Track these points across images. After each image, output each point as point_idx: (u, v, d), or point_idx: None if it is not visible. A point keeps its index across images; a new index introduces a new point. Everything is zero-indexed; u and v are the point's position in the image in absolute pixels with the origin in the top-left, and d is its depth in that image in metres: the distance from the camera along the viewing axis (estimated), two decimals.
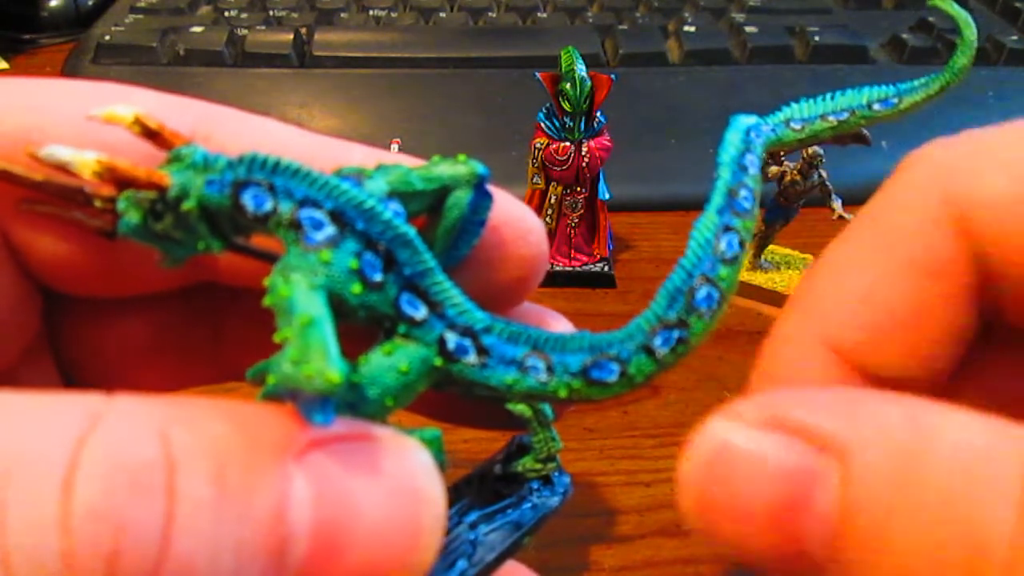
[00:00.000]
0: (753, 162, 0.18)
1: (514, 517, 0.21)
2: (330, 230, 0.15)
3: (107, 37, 0.64)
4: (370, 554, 0.13)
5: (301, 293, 0.14)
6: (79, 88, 0.18)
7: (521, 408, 0.21)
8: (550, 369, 0.16)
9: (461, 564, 0.19)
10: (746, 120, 0.18)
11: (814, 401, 0.15)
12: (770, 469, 0.14)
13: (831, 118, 0.19)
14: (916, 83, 0.20)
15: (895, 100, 0.20)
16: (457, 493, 0.21)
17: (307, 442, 0.13)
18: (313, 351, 0.13)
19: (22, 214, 0.18)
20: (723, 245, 0.17)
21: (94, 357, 0.21)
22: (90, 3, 0.73)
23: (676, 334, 0.16)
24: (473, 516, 0.20)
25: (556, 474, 0.22)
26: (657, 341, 0.16)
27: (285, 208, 0.15)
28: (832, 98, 0.20)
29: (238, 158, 0.15)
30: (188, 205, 0.15)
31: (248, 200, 0.15)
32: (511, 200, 0.19)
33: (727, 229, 0.17)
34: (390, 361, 0.15)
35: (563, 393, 0.16)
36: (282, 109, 0.59)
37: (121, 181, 0.15)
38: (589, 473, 0.37)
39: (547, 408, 0.21)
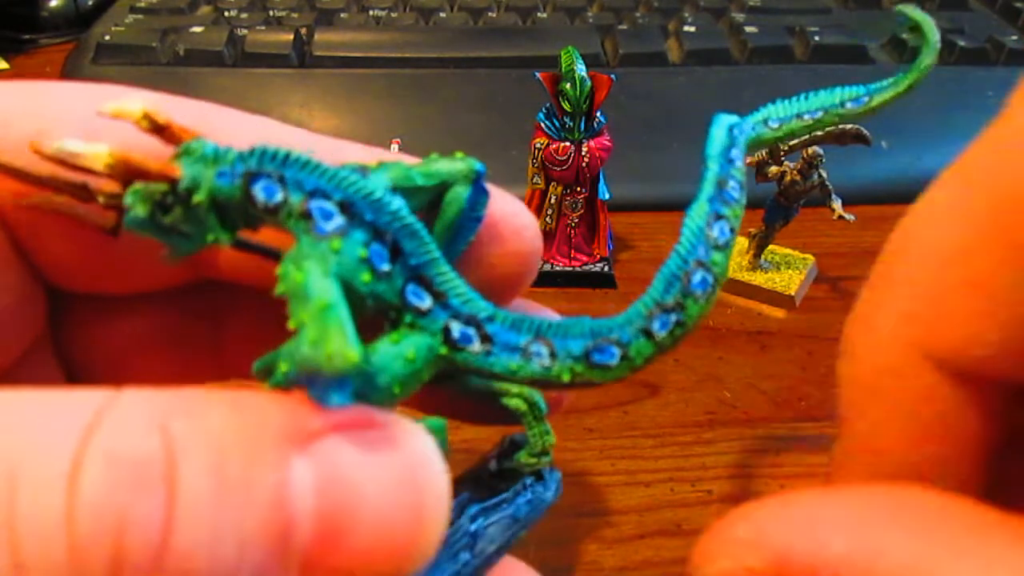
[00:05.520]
0: (739, 155, 0.18)
1: (511, 511, 0.21)
2: (339, 220, 0.15)
3: (107, 37, 0.64)
4: (375, 538, 0.13)
5: (316, 279, 0.14)
6: (83, 89, 0.18)
7: (516, 403, 0.21)
8: (553, 354, 0.16)
9: (464, 556, 0.20)
10: (728, 118, 0.19)
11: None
12: None
13: (806, 117, 0.20)
14: (885, 83, 0.21)
15: (866, 98, 0.21)
16: (455, 488, 0.21)
17: (310, 429, 0.13)
18: (332, 332, 0.13)
19: (27, 211, 0.18)
20: (715, 232, 0.17)
21: (96, 354, 0.21)
22: (90, 3, 0.73)
23: (673, 317, 0.17)
24: (473, 509, 0.21)
25: (547, 470, 0.22)
26: (656, 324, 0.17)
27: (295, 199, 0.15)
28: (807, 98, 0.20)
29: (248, 150, 0.15)
30: (199, 197, 0.15)
31: (259, 191, 0.15)
32: (506, 197, 0.19)
33: (718, 217, 0.17)
34: (397, 349, 0.16)
35: (566, 377, 0.16)
36: (282, 109, 0.59)
37: (130, 174, 0.15)
38: (589, 473, 0.37)
39: (541, 402, 0.22)
